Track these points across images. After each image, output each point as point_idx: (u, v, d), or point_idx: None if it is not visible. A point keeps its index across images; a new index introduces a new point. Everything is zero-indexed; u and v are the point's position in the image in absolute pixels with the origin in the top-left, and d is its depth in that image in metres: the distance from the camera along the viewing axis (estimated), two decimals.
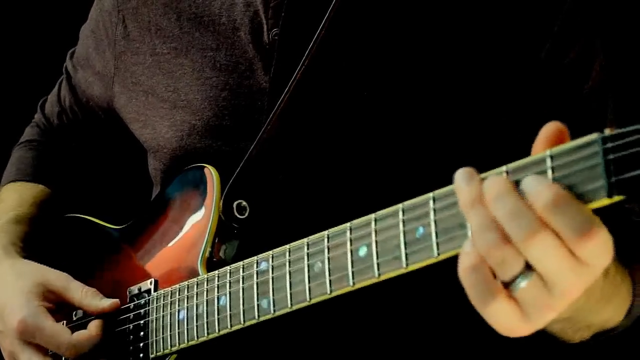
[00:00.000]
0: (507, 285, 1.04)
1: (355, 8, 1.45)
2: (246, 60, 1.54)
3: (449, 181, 1.11)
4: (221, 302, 1.39)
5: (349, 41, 1.46)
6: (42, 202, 1.81)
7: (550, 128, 1.04)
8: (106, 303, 1.55)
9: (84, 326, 1.56)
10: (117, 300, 1.55)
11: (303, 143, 1.47)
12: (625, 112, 1.49)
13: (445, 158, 1.37)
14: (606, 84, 1.49)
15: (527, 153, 1.07)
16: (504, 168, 1.06)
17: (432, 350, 1.47)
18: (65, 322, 1.62)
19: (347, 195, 1.42)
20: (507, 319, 1.05)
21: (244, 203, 1.47)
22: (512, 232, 1.02)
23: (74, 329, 1.56)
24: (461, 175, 1.07)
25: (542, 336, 1.36)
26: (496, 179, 1.05)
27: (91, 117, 1.85)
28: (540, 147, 1.04)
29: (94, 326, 1.54)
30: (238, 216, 1.47)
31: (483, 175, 1.08)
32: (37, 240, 1.75)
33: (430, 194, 1.13)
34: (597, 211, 1.02)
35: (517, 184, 1.04)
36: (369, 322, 1.45)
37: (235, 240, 1.48)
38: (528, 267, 1.03)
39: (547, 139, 1.04)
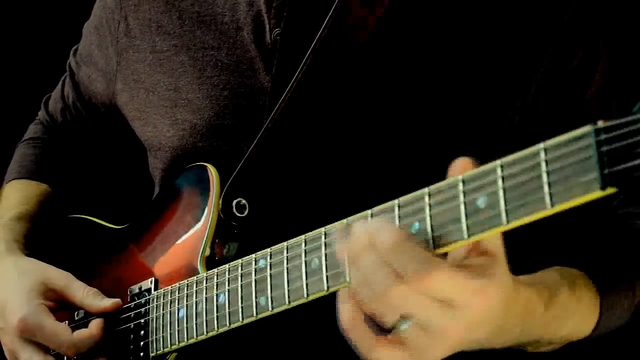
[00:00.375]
0: (390, 330, 1.11)
1: (356, 7, 1.46)
2: (247, 59, 1.54)
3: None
4: (220, 300, 1.39)
5: (349, 41, 1.46)
6: (45, 201, 1.82)
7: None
8: (108, 303, 1.55)
9: (85, 325, 1.56)
10: (119, 300, 1.56)
11: (303, 142, 1.47)
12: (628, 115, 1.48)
13: (446, 161, 1.36)
14: (609, 89, 1.48)
15: None
16: (498, 162, 1.07)
17: None
18: (67, 321, 1.62)
19: (346, 194, 1.42)
20: None
21: (244, 201, 1.47)
22: (375, 285, 1.10)
23: (75, 328, 1.57)
24: (337, 232, 1.17)
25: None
26: (357, 235, 1.13)
27: (94, 113, 1.85)
28: None
29: (94, 325, 1.54)
30: (237, 214, 1.47)
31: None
32: (39, 239, 1.75)
33: (426, 189, 1.13)
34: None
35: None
36: None
37: (235, 238, 1.48)
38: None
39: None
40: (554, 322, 1.31)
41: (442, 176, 1.14)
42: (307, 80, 1.45)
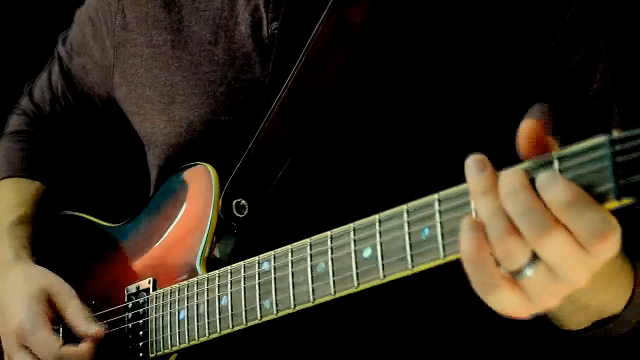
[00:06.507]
0: (512, 273, 1.03)
1: (354, 3, 1.44)
2: (244, 54, 1.52)
3: (453, 181, 1.10)
4: (222, 302, 1.38)
5: (348, 36, 1.45)
6: (42, 200, 1.79)
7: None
8: (93, 329, 1.53)
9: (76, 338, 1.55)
10: (101, 329, 1.53)
11: (302, 139, 1.45)
12: (630, 115, 1.49)
13: (449, 158, 1.36)
14: (611, 87, 1.48)
15: None
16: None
17: (436, 352, 1.46)
18: (62, 324, 1.60)
19: (348, 193, 1.42)
20: (510, 305, 1.05)
21: (243, 202, 1.46)
22: (525, 229, 1.01)
23: (69, 336, 1.55)
24: (473, 162, 1.05)
25: (544, 334, 1.36)
26: (513, 172, 1.03)
27: (86, 105, 1.82)
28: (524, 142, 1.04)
29: (86, 345, 1.52)
30: (237, 215, 1.46)
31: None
32: (35, 239, 1.73)
33: (435, 195, 1.12)
34: None
35: (531, 181, 1.02)
36: (372, 323, 1.44)
37: (232, 238, 1.47)
38: (534, 257, 1.02)
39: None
40: (603, 279, 1.25)
41: (445, 178, 1.13)
42: (305, 75, 1.44)
